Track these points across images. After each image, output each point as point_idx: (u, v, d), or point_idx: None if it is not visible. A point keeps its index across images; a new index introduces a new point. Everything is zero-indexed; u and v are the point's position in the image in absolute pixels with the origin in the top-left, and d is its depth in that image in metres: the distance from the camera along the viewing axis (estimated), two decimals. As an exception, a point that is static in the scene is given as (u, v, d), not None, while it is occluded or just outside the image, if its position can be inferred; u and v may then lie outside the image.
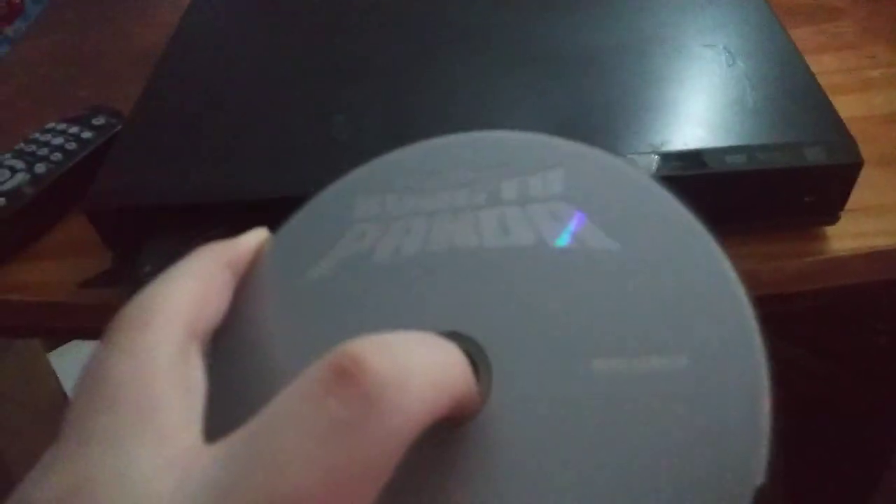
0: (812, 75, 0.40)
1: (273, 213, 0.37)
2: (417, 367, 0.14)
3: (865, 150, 0.42)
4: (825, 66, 0.49)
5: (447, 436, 0.16)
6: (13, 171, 0.42)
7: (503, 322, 0.17)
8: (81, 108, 0.48)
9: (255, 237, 0.22)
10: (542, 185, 0.19)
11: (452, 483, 0.15)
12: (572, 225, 0.18)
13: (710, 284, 0.16)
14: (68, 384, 0.79)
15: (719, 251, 0.17)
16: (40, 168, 0.42)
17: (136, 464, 0.15)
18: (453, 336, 0.17)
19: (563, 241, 0.17)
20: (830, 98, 0.46)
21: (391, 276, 0.19)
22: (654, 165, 0.36)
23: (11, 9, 0.94)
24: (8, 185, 0.41)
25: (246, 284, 0.20)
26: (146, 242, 0.36)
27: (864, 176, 0.39)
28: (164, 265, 0.36)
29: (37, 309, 0.39)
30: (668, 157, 0.36)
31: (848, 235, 0.39)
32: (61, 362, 0.82)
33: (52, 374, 0.78)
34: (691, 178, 0.35)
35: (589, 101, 0.39)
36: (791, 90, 0.39)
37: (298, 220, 0.22)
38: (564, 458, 0.15)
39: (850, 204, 0.38)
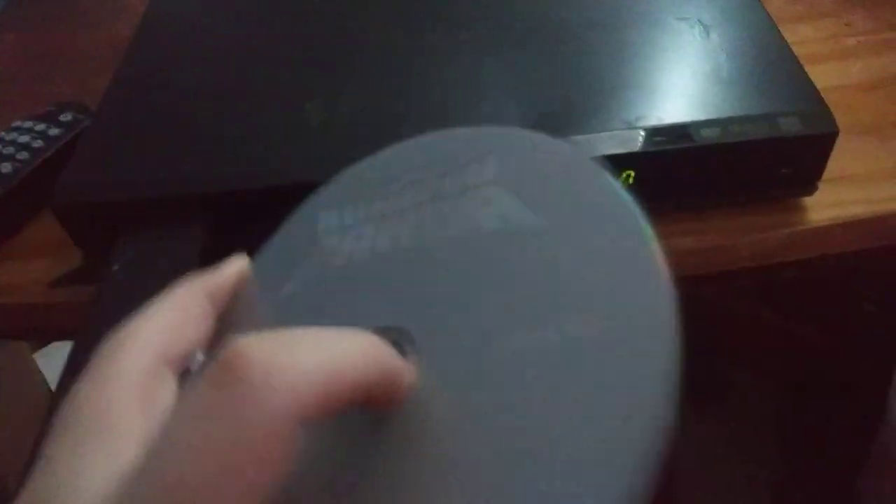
0: (787, 45, 0.39)
1: (246, 203, 0.37)
2: (305, 353, 0.15)
3: (843, 119, 0.42)
4: (802, 36, 0.48)
5: (379, 421, 0.17)
6: (-21, 171, 0.41)
7: (435, 311, 0.18)
8: (50, 104, 0.47)
9: (236, 266, 0.23)
10: (476, 173, 0.19)
11: (377, 462, 0.17)
12: (501, 207, 0.18)
13: (629, 256, 0.17)
14: (55, 383, 0.79)
15: (643, 223, 0.17)
16: (6, 167, 0.42)
17: (89, 477, 0.16)
18: (386, 330, 0.18)
19: (493, 224, 0.18)
20: (808, 67, 0.45)
21: (343, 283, 0.20)
22: (631, 141, 0.35)
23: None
24: (-26, 186, 0.40)
25: (231, 310, 0.21)
26: (117, 239, 0.36)
27: (842, 145, 0.39)
28: (134, 263, 0.35)
29: (10, 311, 0.39)
30: (643, 133, 0.35)
31: (826, 205, 0.38)
32: (48, 362, 0.81)
33: (38, 372, 0.78)
34: (667, 152, 0.35)
35: (566, 78, 0.39)
36: (765, 61, 0.38)
37: (274, 242, 0.24)
38: (486, 428, 0.16)
39: (827, 173, 0.38)
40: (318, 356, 0.15)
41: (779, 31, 0.40)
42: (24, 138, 0.44)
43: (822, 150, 0.36)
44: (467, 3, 0.45)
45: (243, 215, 0.37)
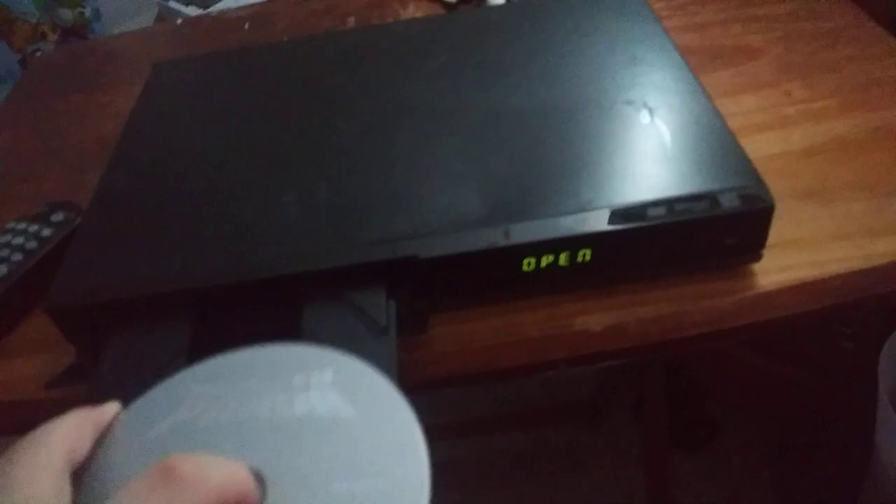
0: (724, 124, 0.42)
1: (229, 297, 0.39)
2: (213, 468, 0.22)
3: (785, 185, 0.45)
4: (746, 107, 0.52)
5: None
6: (-24, 274, 0.44)
7: (277, 463, 0.26)
8: (44, 203, 0.50)
9: (113, 408, 0.29)
10: (319, 378, 0.29)
11: None
12: (332, 401, 0.28)
13: (403, 440, 0.26)
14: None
15: (412, 416, 0.27)
16: (2, 269, 0.44)
17: None
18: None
19: (323, 410, 0.28)
20: (752, 136, 0.49)
21: (204, 434, 0.28)
22: (586, 223, 0.38)
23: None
24: (-29, 290, 0.43)
25: (103, 439, 0.28)
26: (108, 338, 0.38)
27: (786, 210, 0.41)
28: (122, 364, 0.37)
29: (5, 408, 0.41)
30: (597, 215, 0.38)
31: (773, 270, 0.41)
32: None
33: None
34: (620, 231, 0.38)
35: (521, 165, 0.42)
36: (705, 140, 0.41)
37: (148, 397, 0.30)
38: None
39: (774, 238, 0.40)
40: (221, 471, 0.22)
41: (717, 110, 0.43)
42: (17, 240, 0.46)
43: (761, 222, 0.38)
44: (433, 98, 0.48)
45: (226, 308, 0.39)
